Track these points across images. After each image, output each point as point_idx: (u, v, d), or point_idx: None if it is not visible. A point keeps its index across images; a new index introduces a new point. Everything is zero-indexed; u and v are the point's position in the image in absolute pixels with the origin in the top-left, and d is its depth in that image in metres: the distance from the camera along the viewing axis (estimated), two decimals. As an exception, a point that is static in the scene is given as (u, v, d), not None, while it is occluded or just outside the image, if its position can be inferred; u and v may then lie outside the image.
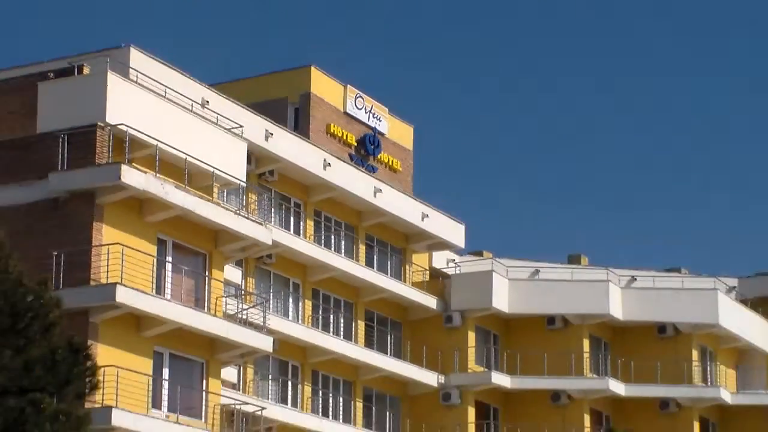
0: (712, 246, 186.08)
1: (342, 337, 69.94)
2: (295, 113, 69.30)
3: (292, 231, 66.13)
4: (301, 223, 68.08)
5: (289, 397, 65.63)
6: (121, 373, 46.88)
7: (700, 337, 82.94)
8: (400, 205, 73.51)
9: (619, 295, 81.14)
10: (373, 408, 72.45)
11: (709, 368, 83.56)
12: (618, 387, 78.71)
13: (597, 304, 79.59)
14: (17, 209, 48.52)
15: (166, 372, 51.64)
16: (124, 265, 48.82)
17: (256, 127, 62.29)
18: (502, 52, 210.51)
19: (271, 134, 63.76)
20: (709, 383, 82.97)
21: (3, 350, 35.51)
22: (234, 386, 58.40)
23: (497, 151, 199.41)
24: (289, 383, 66.12)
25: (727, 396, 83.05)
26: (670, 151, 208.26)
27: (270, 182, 64.77)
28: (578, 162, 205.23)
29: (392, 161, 75.85)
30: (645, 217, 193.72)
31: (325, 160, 67.91)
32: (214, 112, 58.04)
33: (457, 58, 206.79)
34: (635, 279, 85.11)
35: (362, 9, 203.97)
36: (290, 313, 66.00)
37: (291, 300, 66.84)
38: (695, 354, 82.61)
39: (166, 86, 55.28)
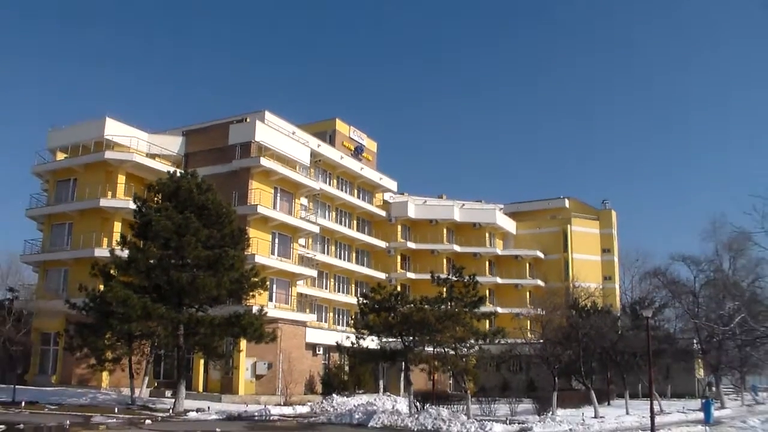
0: (493, 190, 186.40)
1: (347, 227, 70.26)
2: (329, 137, 69.88)
3: (327, 184, 66.49)
4: (332, 181, 68.51)
5: (326, 252, 65.94)
6: (258, 241, 48.51)
7: (487, 228, 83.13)
8: (371, 174, 73.94)
9: (458, 211, 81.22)
10: (359, 256, 72.90)
11: (489, 239, 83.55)
12: (458, 248, 78.84)
13: (449, 215, 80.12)
14: (220, 175, 49.50)
15: (276, 241, 52.76)
16: (260, 197, 50.45)
17: (314, 142, 62.88)
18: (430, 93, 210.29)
19: (320, 145, 64.59)
20: (490, 246, 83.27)
21: (213, 230, 37.30)
22: (303, 246, 59.17)
23: (411, 151, 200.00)
24: (326, 246, 66.47)
25: (498, 251, 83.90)
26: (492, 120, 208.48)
27: (319, 164, 64.99)
28: (444, 149, 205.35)
29: (368, 156, 75.80)
30: (470, 173, 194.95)
31: (341, 156, 68.85)
32: (298, 135, 59.28)
33: (402, 104, 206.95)
34: (464, 204, 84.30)
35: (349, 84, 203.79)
36: (326, 217, 66.32)
37: (327, 212, 67.18)
38: (487, 236, 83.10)
39: (278, 125, 56.74)
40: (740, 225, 39.85)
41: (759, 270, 46.78)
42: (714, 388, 54.57)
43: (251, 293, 39.64)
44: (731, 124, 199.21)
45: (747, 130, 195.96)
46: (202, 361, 47.11)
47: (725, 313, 41.53)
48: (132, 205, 40.50)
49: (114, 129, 51.70)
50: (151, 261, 36.14)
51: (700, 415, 34.33)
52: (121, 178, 50.31)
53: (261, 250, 49.52)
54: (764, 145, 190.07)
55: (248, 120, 54.53)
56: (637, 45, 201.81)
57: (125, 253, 37.15)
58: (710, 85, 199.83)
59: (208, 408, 37.58)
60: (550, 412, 38.54)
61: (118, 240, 39.56)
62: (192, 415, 34.94)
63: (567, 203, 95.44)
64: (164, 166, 49.44)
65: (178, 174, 39.66)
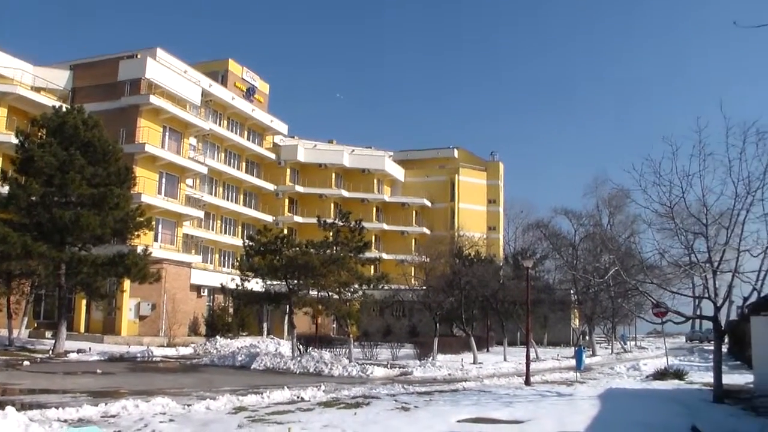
0: (384, 137, 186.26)
1: (236, 168, 68.92)
2: (222, 77, 68.34)
3: (217, 125, 65.11)
4: (222, 121, 67.17)
5: (214, 193, 64.66)
6: (145, 180, 47.69)
7: (375, 174, 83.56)
8: (262, 116, 72.91)
9: (348, 156, 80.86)
10: (247, 198, 71.49)
11: (377, 186, 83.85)
12: (346, 194, 78.63)
13: (338, 160, 79.70)
14: (107, 112, 47.70)
15: (164, 181, 51.97)
16: (149, 136, 49.62)
17: (206, 81, 61.97)
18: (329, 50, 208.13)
19: (211, 84, 63.45)
20: (378, 192, 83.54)
21: (98, 168, 36.44)
22: (190, 187, 58.06)
23: (303, 95, 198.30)
24: (214, 188, 65.22)
25: (386, 198, 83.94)
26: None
27: (210, 105, 63.77)
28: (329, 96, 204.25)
29: (260, 98, 74.34)
30: (362, 120, 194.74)
31: (233, 97, 67.65)
32: (189, 74, 58.19)
33: (291, 48, 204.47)
34: (354, 150, 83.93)
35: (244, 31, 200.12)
36: (215, 158, 64.95)
37: (216, 153, 65.76)
38: (375, 182, 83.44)
39: (170, 63, 55.58)
40: (620, 182, 41.28)
41: (635, 226, 48.40)
42: (587, 337, 56.55)
43: (136, 233, 39.00)
44: (621, 85, 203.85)
45: (634, 91, 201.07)
46: (84, 302, 46.56)
47: (601, 265, 42.96)
48: (14, 140, 39.03)
49: (-4, 59, 49.80)
50: (33, 198, 35.11)
51: (573, 362, 35.53)
52: (3, 111, 48.16)
53: (147, 189, 48.68)
54: (646, 104, 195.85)
55: (139, 56, 53.14)
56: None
57: (5, 189, 36.02)
58: (595, 46, 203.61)
59: (90, 349, 37.12)
60: (431, 357, 39.35)
61: (-2, 175, 38.42)
62: (73, 356, 34.44)
63: (456, 153, 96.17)
64: (50, 101, 47.84)
65: (64, 109, 38.56)
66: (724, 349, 47.88)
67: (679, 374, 30.26)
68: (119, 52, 55.00)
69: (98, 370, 27.29)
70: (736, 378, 29.87)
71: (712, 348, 23.07)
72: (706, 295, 21.13)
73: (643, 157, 20.97)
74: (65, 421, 14.08)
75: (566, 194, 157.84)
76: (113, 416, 14.98)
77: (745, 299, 20.48)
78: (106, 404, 15.81)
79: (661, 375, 30.42)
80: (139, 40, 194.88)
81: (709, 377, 26.51)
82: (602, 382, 28.60)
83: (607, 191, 53.02)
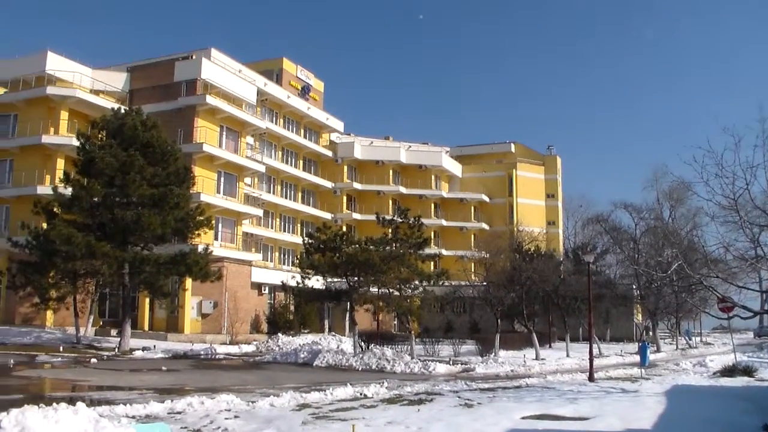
0: (440, 133, 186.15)
1: (293, 166, 69.25)
2: (276, 76, 68.69)
3: (273, 123, 65.53)
4: (278, 120, 67.51)
5: (272, 191, 65.07)
6: (204, 179, 48.08)
7: (432, 170, 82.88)
8: (318, 114, 73.06)
9: (404, 152, 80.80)
10: (305, 196, 71.76)
11: (435, 182, 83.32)
12: (403, 190, 78.62)
13: (395, 156, 79.75)
14: (165, 113, 48.37)
15: (222, 180, 52.14)
16: (206, 135, 50.04)
17: (261, 80, 62.27)
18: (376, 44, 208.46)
19: (266, 84, 63.67)
20: (435, 188, 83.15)
21: (158, 168, 36.78)
22: (249, 185, 58.45)
23: (358, 91, 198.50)
24: (272, 186, 65.65)
25: (443, 194, 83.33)
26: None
27: (265, 103, 64.11)
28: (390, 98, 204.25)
29: (315, 96, 74.58)
30: (418, 115, 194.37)
31: (288, 95, 67.91)
32: (244, 74, 58.62)
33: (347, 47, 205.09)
34: (411, 146, 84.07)
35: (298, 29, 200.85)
36: (272, 157, 65.40)
37: (273, 151, 66.22)
38: (433, 178, 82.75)
39: (224, 63, 55.99)
40: (680, 175, 40.48)
41: (697, 219, 47.49)
42: (651, 333, 55.84)
43: (196, 232, 39.36)
44: (674, 75, 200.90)
45: (691, 81, 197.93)
46: (147, 300, 47.12)
47: (663, 260, 42.19)
48: (75, 142, 39.65)
49: (56, 63, 50.29)
50: (95, 199, 35.67)
51: (637, 358, 35.09)
52: (64, 114, 48.97)
53: (206, 188, 49.03)
54: (706, 93, 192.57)
55: (194, 57, 53.54)
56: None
57: (68, 191, 36.60)
58: (660, 33, 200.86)
59: (154, 347, 37.57)
60: (493, 354, 39.04)
61: (61, 177, 38.94)
62: (138, 353, 34.85)
63: (513, 148, 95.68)
64: (108, 103, 48.53)
65: (123, 111, 39.05)
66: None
67: (748, 371, 29.44)
68: (174, 53, 55.69)
69: (163, 368, 27.55)
70: (811, 375, 29.20)
71: (783, 344, 22.56)
72: (774, 290, 20.64)
73: (704, 149, 20.38)
74: (133, 417, 14.15)
75: (625, 188, 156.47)
76: (179, 413, 15.03)
77: (814, 293, 19.97)
78: (172, 401, 15.89)
79: (729, 372, 29.63)
80: (193, 40, 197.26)
81: (781, 374, 25.93)
82: (668, 379, 28.10)
83: (667, 184, 52.10)
